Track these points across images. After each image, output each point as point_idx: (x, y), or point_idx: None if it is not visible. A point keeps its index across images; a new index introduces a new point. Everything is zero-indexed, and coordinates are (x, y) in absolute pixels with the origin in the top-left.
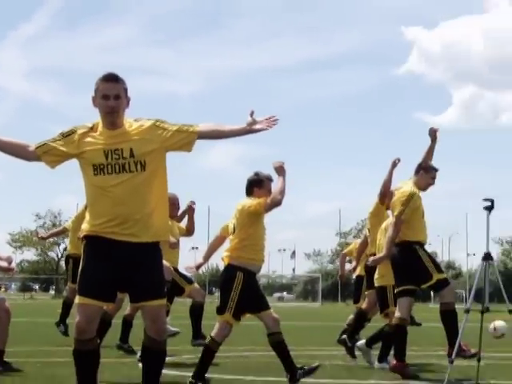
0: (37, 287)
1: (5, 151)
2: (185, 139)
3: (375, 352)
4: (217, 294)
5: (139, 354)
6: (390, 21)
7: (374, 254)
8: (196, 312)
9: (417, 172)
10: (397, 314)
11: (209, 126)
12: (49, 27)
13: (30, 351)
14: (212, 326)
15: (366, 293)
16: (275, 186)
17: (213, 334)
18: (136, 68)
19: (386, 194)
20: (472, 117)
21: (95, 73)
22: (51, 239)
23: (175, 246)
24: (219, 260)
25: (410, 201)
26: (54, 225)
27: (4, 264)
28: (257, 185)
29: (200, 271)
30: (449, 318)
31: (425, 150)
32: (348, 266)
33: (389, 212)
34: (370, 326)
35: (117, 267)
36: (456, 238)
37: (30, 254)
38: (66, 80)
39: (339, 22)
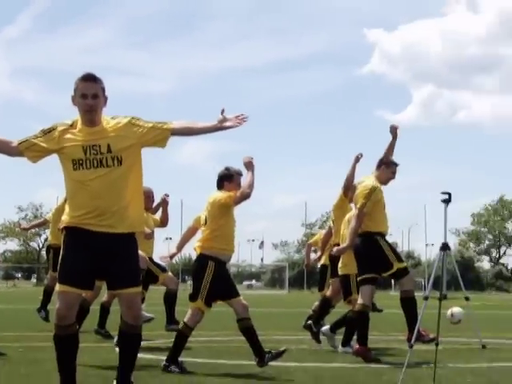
0: (19, 276)
1: None
2: (159, 136)
3: (339, 337)
4: (189, 282)
5: (116, 338)
6: (353, 24)
7: (338, 245)
8: (170, 299)
9: (378, 167)
10: (359, 300)
11: (182, 123)
12: (31, 30)
13: (13, 336)
14: (185, 312)
15: (331, 281)
16: (244, 180)
17: (186, 320)
18: (113, 68)
19: (349, 188)
20: (430, 115)
21: (75, 73)
22: (33, 230)
23: (150, 236)
24: (192, 250)
25: (372, 194)
26: (35, 216)
27: None
28: (227, 179)
29: (173, 260)
30: (408, 304)
31: (386, 146)
32: (313, 256)
33: (352, 205)
34: (334, 312)
35: (95, 257)
36: (415, 229)
37: (13, 245)
38: (47, 80)
39: (306, 25)
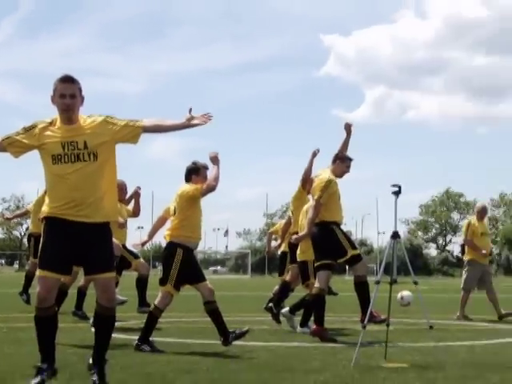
0: (3, 262)
1: None
2: (131, 133)
3: (298, 318)
4: (159, 267)
5: (92, 319)
6: (310, 29)
7: (297, 233)
8: (141, 283)
9: (334, 161)
10: (316, 284)
11: (152, 121)
12: (14, 35)
13: None
14: (155, 295)
15: (290, 266)
16: (210, 174)
17: (156, 303)
18: (89, 70)
19: (307, 181)
20: (382, 113)
21: (54, 75)
22: (15, 220)
23: (123, 225)
24: (162, 238)
25: (328, 187)
26: (17, 207)
27: None
28: (194, 172)
29: (145, 248)
30: (361, 288)
31: (341, 142)
32: (274, 243)
33: (309, 196)
34: (293, 296)
35: (72, 244)
36: (368, 219)
37: None
38: (28, 81)
39: (267, 30)
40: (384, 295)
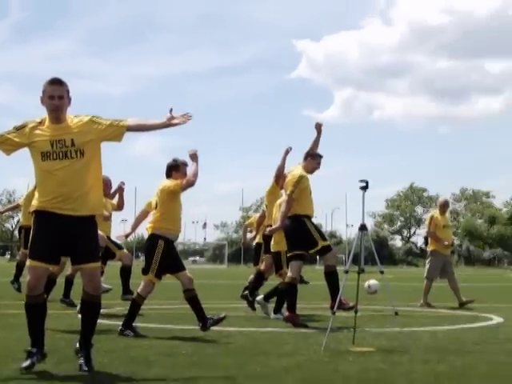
0: None
1: None
2: (116, 131)
3: (271, 305)
4: (142, 258)
5: (79, 306)
6: (283, 35)
7: (271, 226)
8: (125, 272)
9: (305, 158)
10: (289, 274)
11: (136, 120)
12: (6, 40)
13: None
14: (138, 284)
15: (264, 257)
16: (190, 170)
17: (139, 291)
18: (76, 73)
19: (280, 176)
20: (350, 113)
21: (43, 77)
22: (7, 213)
23: (108, 218)
24: (144, 230)
25: (300, 182)
26: (9, 201)
27: None
28: (174, 169)
29: (128, 239)
30: (331, 277)
31: (311, 140)
32: (249, 235)
33: (282, 191)
34: (267, 284)
35: (60, 236)
36: (337, 213)
37: None
38: (19, 83)
39: (243, 36)
40: (352, 284)
